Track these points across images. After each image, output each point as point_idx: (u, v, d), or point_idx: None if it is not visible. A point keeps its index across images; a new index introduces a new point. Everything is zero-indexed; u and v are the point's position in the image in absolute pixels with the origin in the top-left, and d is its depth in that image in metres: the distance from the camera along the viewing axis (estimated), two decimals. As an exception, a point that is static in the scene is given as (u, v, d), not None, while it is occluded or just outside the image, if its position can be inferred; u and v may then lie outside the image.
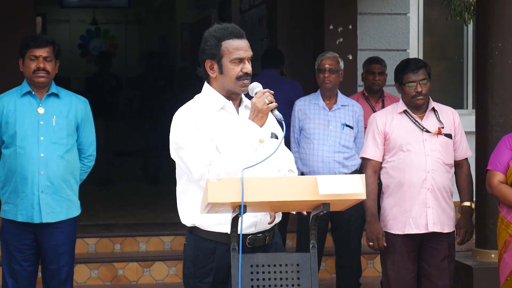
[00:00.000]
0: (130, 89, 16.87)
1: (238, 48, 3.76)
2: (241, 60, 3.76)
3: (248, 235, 3.79)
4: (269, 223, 3.84)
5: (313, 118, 6.41)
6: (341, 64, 6.52)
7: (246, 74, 3.77)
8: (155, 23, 17.63)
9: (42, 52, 5.20)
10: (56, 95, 5.29)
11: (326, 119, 6.41)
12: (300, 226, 6.62)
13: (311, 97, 6.54)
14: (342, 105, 6.47)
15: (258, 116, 3.64)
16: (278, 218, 3.93)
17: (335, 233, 6.60)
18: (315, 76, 6.57)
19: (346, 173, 6.33)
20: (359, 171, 6.44)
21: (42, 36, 5.41)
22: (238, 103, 3.89)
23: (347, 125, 6.41)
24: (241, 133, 3.66)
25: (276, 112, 3.65)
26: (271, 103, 3.64)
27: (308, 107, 6.46)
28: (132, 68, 18.08)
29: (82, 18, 17.12)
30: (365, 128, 6.81)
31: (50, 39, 5.31)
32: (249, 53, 3.79)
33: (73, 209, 5.33)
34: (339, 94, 6.54)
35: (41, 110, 5.24)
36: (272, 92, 3.68)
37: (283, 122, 3.63)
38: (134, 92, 12.56)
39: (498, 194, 5.09)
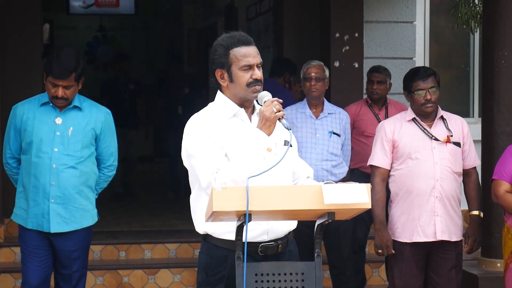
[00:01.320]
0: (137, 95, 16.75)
1: (246, 55, 3.77)
2: (250, 67, 3.77)
3: (260, 243, 3.78)
4: None
5: (300, 127, 6.40)
6: (327, 72, 6.54)
7: (256, 80, 3.78)
8: (162, 30, 17.65)
9: (62, 83, 5.17)
10: (77, 107, 5.29)
11: (313, 128, 6.40)
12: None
13: (297, 106, 6.54)
14: (328, 113, 6.47)
15: (266, 124, 3.64)
16: (293, 225, 3.92)
17: (325, 242, 6.59)
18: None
19: (334, 181, 6.28)
20: (346, 179, 6.44)
21: (65, 63, 5.15)
22: (251, 111, 3.88)
23: (334, 133, 6.40)
24: (250, 141, 3.67)
25: (284, 120, 3.65)
26: (279, 111, 3.64)
27: (295, 116, 6.45)
28: (138, 75, 18.08)
29: (89, 25, 17.14)
30: (360, 135, 6.84)
31: (73, 66, 5.17)
32: (257, 60, 3.79)
33: (88, 218, 5.38)
34: (326, 102, 6.55)
35: (58, 121, 5.25)
36: (281, 100, 3.68)
37: (290, 130, 3.63)
38: (157, 98, 12.42)
39: (504, 204, 5.07)
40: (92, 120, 5.30)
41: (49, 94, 5.23)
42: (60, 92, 5.17)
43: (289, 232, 3.92)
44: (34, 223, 5.25)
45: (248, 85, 3.77)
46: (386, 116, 6.84)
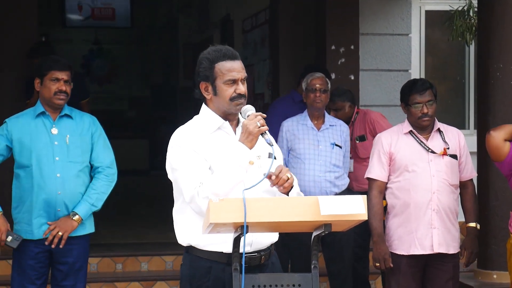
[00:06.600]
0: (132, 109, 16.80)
1: (231, 69, 3.82)
2: (234, 81, 3.82)
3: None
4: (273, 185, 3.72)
5: (302, 139, 6.42)
6: (329, 84, 6.56)
7: (240, 95, 3.82)
8: (158, 43, 17.68)
9: (63, 75, 5.32)
10: (68, 116, 5.39)
11: (316, 139, 6.42)
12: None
13: (298, 117, 6.54)
14: (330, 125, 6.49)
15: (249, 138, 3.69)
16: (275, 238, 3.95)
17: (327, 254, 6.58)
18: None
19: (336, 193, 6.35)
20: (347, 190, 6.45)
21: (62, 60, 5.45)
22: (235, 124, 3.92)
23: (336, 145, 6.43)
24: (233, 154, 3.70)
25: (267, 135, 3.69)
26: (263, 126, 3.67)
27: (296, 128, 6.46)
28: (134, 88, 18.11)
29: (85, 38, 17.18)
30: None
31: (69, 63, 5.43)
32: (242, 74, 3.84)
33: (91, 226, 5.48)
34: (326, 114, 6.57)
35: (54, 131, 5.33)
36: (265, 115, 3.72)
37: (273, 146, 3.68)
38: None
39: (498, 128, 5.05)
40: (86, 127, 5.41)
41: (49, 94, 5.29)
42: (63, 85, 5.30)
43: (271, 245, 3.95)
44: (41, 232, 5.28)
45: (232, 99, 3.82)
46: (353, 130, 6.85)
